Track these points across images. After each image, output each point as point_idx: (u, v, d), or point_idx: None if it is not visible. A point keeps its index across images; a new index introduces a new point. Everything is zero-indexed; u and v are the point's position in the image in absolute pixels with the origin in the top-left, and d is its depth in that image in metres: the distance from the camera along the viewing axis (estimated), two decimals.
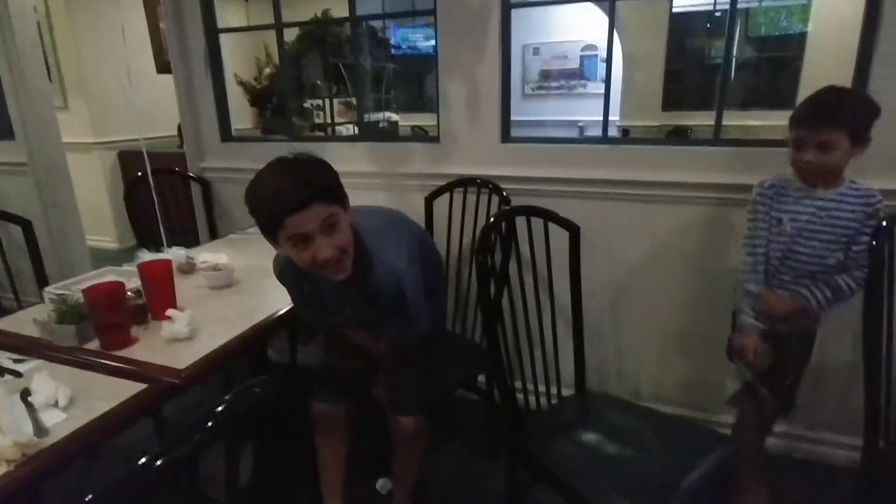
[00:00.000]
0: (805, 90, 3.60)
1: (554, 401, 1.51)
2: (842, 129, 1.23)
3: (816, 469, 1.74)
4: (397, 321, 1.27)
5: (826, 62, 3.58)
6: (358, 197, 2.07)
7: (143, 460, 0.51)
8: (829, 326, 1.50)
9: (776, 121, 3.44)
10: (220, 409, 0.57)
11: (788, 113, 1.34)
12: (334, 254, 1.11)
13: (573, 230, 1.48)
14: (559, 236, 1.47)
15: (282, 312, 1.45)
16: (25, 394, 1.02)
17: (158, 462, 0.51)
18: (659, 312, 1.89)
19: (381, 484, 1.71)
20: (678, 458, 1.24)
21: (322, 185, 1.10)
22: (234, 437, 0.59)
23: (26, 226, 1.74)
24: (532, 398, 1.48)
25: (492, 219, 1.38)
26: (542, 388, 1.47)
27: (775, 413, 1.51)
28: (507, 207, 1.42)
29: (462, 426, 2.05)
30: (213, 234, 2.35)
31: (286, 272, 1.31)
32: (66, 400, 1.03)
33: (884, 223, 1.19)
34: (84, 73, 3.87)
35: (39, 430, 0.94)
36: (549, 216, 1.47)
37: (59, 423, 0.97)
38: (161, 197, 2.13)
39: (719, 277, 1.75)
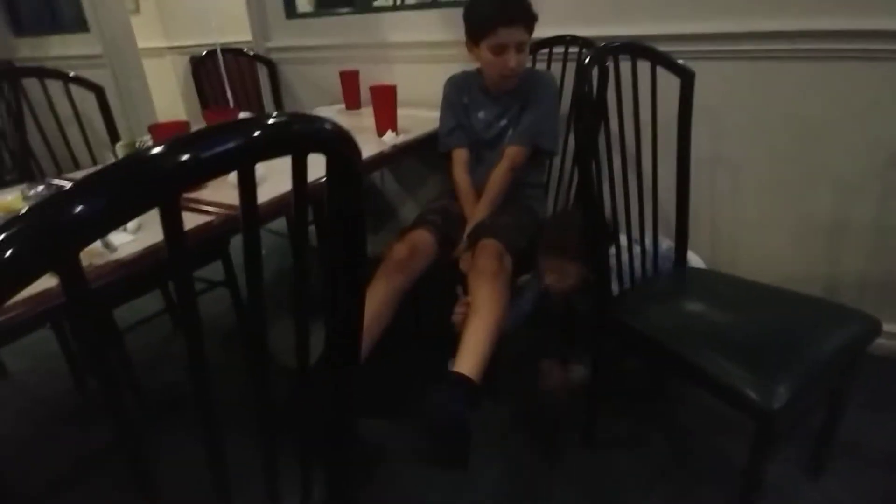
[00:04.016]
0: None
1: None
2: None
3: None
4: (537, 114, 1.53)
5: None
6: (431, 70, 1.94)
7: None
8: None
9: None
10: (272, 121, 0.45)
11: None
12: (519, 63, 1.46)
13: (686, 76, 1.25)
14: (665, 89, 1.24)
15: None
16: None
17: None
18: (785, 189, 1.63)
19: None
20: (801, 330, 1.05)
21: (532, 16, 1.45)
22: (299, 154, 0.48)
23: (100, 92, 1.71)
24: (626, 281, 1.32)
25: (588, 57, 1.18)
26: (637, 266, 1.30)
27: None
28: (612, 44, 1.20)
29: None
30: None
31: (456, 82, 1.63)
32: (135, 224, 0.98)
33: None
34: None
35: (107, 245, 0.90)
36: (657, 58, 1.24)
37: (127, 244, 0.93)
38: (229, 76, 2.06)
39: (860, 152, 1.48)
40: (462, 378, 1.17)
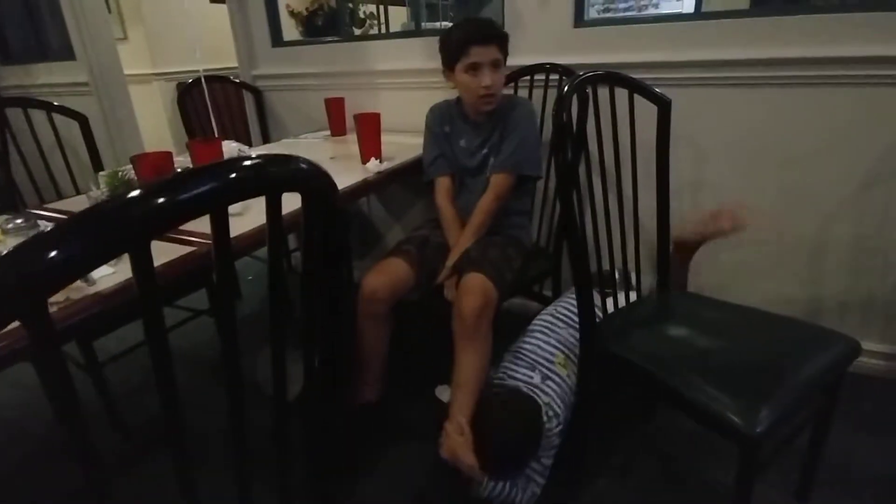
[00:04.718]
0: None
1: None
2: None
3: None
4: (518, 140, 1.51)
5: None
6: (415, 97, 1.97)
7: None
8: None
9: None
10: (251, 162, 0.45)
11: None
12: (494, 82, 1.45)
13: (663, 104, 1.28)
14: (644, 116, 1.27)
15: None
16: None
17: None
18: (765, 212, 1.65)
19: (441, 390, 1.63)
20: (782, 353, 1.07)
21: (504, 35, 1.48)
22: (273, 195, 0.48)
23: (83, 121, 1.71)
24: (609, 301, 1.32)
25: (567, 87, 1.20)
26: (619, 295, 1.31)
27: None
28: (590, 73, 1.23)
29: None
30: (266, 141, 2.30)
31: (437, 111, 1.64)
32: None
33: None
34: (141, 2, 3.86)
35: (86, 278, 0.90)
36: (635, 87, 1.27)
37: (106, 276, 0.92)
38: (214, 104, 2.07)
39: (837, 175, 1.51)
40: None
